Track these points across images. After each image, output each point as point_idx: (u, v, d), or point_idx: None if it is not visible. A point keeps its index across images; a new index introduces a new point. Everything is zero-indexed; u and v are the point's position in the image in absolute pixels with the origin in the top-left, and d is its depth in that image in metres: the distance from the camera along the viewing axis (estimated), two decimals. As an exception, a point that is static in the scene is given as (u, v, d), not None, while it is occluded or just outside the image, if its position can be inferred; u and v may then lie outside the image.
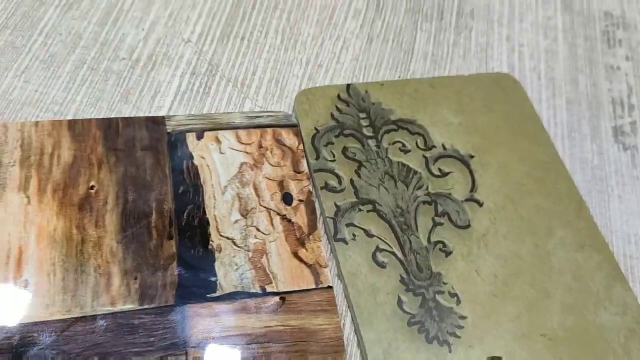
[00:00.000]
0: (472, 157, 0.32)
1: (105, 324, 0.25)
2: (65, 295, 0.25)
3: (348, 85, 0.34)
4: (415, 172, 0.31)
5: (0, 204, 0.27)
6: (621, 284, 0.30)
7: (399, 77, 0.36)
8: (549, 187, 0.33)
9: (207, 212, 0.28)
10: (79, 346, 0.24)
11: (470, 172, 0.32)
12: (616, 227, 0.33)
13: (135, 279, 0.26)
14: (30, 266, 0.26)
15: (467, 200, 0.31)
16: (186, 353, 0.25)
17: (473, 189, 0.32)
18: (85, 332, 0.25)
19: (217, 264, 0.27)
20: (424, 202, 0.31)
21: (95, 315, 0.25)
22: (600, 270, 0.30)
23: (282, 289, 0.27)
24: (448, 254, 0.29)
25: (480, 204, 0.31)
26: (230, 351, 0.25)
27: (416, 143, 0.33)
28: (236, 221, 0.28)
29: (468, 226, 0.30)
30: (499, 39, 0.39)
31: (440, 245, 0.29)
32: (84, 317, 0.25)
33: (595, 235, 0.31)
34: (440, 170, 0.32)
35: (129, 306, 0.25)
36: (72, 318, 0.25)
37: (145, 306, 0.26)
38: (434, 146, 0.33)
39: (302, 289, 0.27)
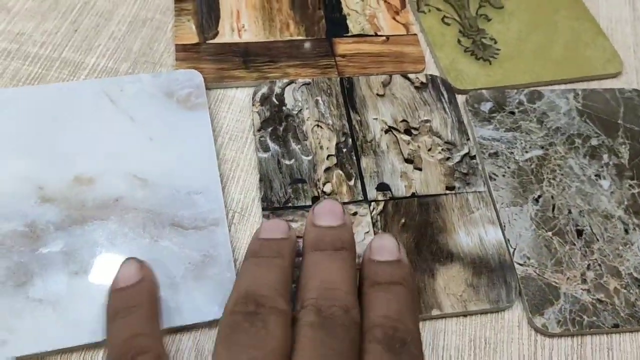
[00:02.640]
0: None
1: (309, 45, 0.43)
2: (264, 30, 0.44)
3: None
4: (467, -20, 0.49)
5: (223, -9, 0.46)
6: (603, 37, 0.47)
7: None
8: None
9: (339, -3, 0.47)
10: (273, 53, 0.43)
11: (504, -19, 0.50)
12: (602, 14, 0.49)
13: (303, 25, 0.45)
14: (244, 18, 0.45)
15: (501, -6, 0.49)
16: (334, 54, 0.43)
17: (505, -11, 0.49)
18: (278, 48, 0.43)
19: (348, 21, 0.45)
20: (473, -5, 0.48)
21: (282, 40, 0.44)
22: (590, 32, 0.47)
23: (386, 33, 0.45)
24: (489, 20, 0.47)
25: (510, -3, 0.49)
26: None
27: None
28: (357, 2, 0.47)
29: (502, 8, 0.48)
30: None
31: (484, 16, 0.47)
32: (275, 41, 0.44)
33: (587, 15, 0.48)
34: (483, -21, 0.49)
35: (301, 37, 0.44)
36: (270, 41, 0.44)
37: (309, 37, 0.44)
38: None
39: (398, 34, 0.45)
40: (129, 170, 0.36)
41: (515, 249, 0.36)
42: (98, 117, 0.38)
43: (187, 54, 0.42)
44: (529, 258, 0.35)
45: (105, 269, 0.32)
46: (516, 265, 0.35)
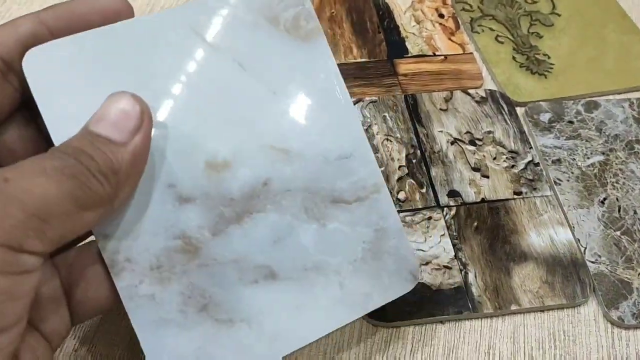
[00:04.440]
0: (552, -7, 0.53)
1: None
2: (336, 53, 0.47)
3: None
4: (517, 1, 0.52)
5: (288, 20, 0.50)
6: (653, 49, 0.49)
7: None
8: (604, 7, 0.52)
9: (396, 21, 0.50)
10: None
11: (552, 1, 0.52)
12: (650, 27, 0.51)
13: (365, 48, 0.48)
14: (310, 44, 0.48)
15: (550, 13, 0.51)
16: (396, 74, 0.46)
17: (554, 8, 0.51)
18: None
19: (407, 43, 0.48)
20: (524, 15, 0.51)
21: (347, 62, 0.47)
22: (639, 45, 0.49)
23: (444, 53, 0.48)
24: (540, 37, 0.49)
25: (559, 15, 0.51)
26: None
27: (516, -12, 0.53)
28: (413, 25, 0.50)
29: (552, 25, 0.50)
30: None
31: (535, 33, 0.50)
32: (340, 63, 0.47)
33: (635, 29, 0.50)
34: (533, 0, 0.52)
35: (364, 59, 0.47)
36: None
37: (372, 59, 0.47)
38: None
39: (455, 53, 0.48)
40: (264, 141, 0.28)
41: (586, 247, 0.37)
42: (196, 66, 0.27)
43: (260, 78, 0.46)
44: (600, 256, 0.37)
45: (282, 271, 0.28)
46: (588, 263, 0.37)
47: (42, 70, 0.25)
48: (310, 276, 0.28)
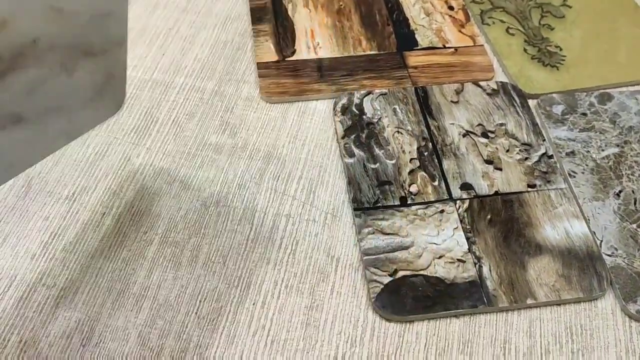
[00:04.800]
0: (562, -15, 0.52)
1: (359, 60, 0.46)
2: (338, 47, 0.47)
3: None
4: (527, -6, 0.51)
5: (297, 14, 0.49)
6: (666, 41, 0.48)
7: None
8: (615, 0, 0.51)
9: (406, 14, 0.49)
10: (349, 67, 0.45)
11: (562, -7, 0.52)
12: (663, 19, 0.50)
13: (374, 41, 0.47)
14: (318, 36, 0.47)
15: (561, 5, 0.50)
16: (406, 66, 0.45)
17: (565, 0, 0.51)
18: (351, 62, 0.46)
19: (416, 35, 0.48)
20: (534, 7, 0.50)
21: (356, 55, 0.46)
22: (652, 35, 0.49)
23: (454, 45, 0.47)
24: (552, 29, 0.49)
25: (570, 7, 0.50)
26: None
27: (526, -20, 0.52)
28: (423, 18, 0.49)
29: (563, 17, 0.49)
30: None
31: (546, 25, 0.49)
32: (349, 56, 0.46)
33: (648, 20, 0.50)
34: (542, -8, 0.52)
35: (373, 52, 0.46)
36: (345, 56, 0.46)
37: (381, 52, 0.46)
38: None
39: (465, 45, 0.47)
40: (45, 1, 0.28)
41: (602, 240, 0.36)
42: None
43: (268, 70, 0.45)
44: (616, 249, 0.36)
45: (27, 116, 0.30)
46: (604, 256, 0.36)
47: None
48: (49, 116, 0.32)
